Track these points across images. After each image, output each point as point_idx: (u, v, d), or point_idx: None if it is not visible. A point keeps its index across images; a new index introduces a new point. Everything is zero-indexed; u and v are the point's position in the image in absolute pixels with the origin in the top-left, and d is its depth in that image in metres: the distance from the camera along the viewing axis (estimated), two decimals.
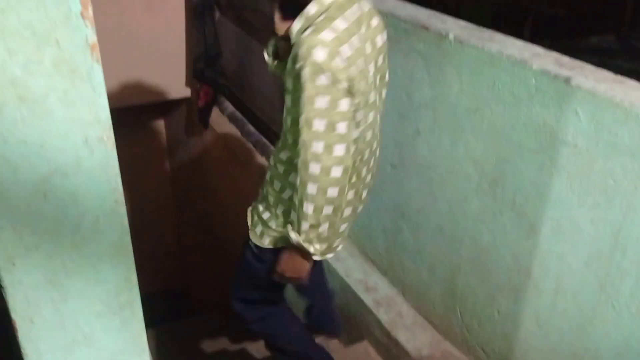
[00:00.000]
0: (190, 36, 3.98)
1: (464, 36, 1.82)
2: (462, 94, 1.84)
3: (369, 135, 1.70)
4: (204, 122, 3.97)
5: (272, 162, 1.77)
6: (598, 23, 7.33)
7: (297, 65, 1.48)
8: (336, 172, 1.52)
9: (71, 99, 0.78)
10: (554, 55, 1.68)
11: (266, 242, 1.80)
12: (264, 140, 3.42)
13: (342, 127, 1.50)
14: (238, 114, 3.69)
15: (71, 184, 0.84)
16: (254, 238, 1.83)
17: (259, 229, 1.81)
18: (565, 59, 1.65)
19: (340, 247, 1.85)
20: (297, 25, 1.55)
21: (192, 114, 4.17)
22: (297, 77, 1.50)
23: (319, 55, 1.44)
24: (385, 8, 2.10)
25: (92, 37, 0.75)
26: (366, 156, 1.74)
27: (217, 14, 3.92)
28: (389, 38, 1.72)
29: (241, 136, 3.54)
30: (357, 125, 1.60)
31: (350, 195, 1.73)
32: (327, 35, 1.46)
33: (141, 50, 3.85)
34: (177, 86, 4.10)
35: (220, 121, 3.82)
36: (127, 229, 0.93)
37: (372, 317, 2.34)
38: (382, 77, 1.71)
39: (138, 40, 3.84)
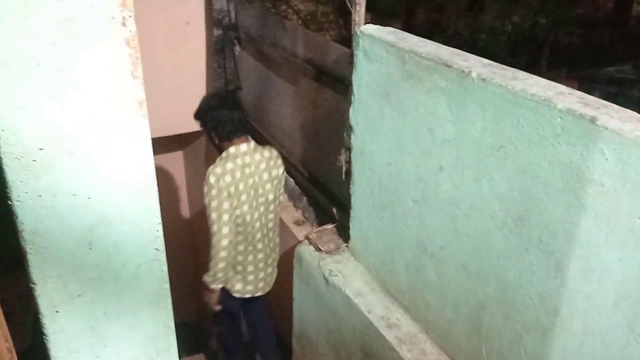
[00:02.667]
0: (210, 70, 4.05)
1: (486, 74, 1.84)
2: (486, 131, 1.85)
3: (248, 217, 2.88)
4: None
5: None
6: (614, 53, 7.34)
7: (204, 183, 2.76)
8: (224, 242, 2.80)
9: (118, 153, 0.80)
10: (578, 94, 1.69)
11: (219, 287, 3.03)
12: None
13: (225, 217, 2.76)
14: None
15: (115, 233, 0.86)
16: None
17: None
18: (590, 98, 1.66)
19: (259, 292, 3.15)
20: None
21: (211, 146, 4.20)
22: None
23: (211, 179, 2.74)
24: (406, 46, 2.13)
25: (141, 95, 0.77)
26: (256, 230, 2.95)
27: (238, 49, 3.99)
28: (411, 75, 2.11)
29: None
30: (236, 215, 2.82)
31: (250, 258, 2.99)
32: (218, 169, 2.76)
33: (162, 83, 3.92)
34: None
35: None
36: (166, 276, 0.94)
37: (395, 355, 2.32)
38: (257, 190, 2.92)
39: (159, 74, 3.91)
